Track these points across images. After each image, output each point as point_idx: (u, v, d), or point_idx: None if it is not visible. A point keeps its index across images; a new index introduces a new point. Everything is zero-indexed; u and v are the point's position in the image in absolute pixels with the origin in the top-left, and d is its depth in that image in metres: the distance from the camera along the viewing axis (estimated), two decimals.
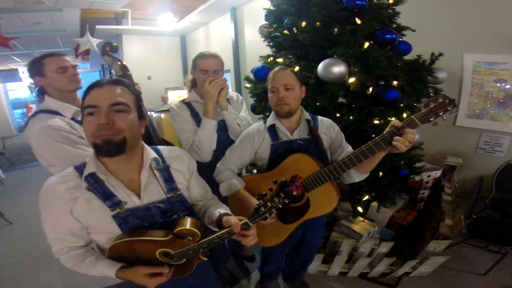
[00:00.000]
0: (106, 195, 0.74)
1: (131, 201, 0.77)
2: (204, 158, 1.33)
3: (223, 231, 0.75)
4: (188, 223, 0.75)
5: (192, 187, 0.94)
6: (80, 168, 0.76)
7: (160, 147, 0.90)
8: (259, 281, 1.76)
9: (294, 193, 0.72)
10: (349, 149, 1.22)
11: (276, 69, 1.19)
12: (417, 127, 0.88)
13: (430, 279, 1.77)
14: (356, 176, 1.14)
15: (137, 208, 0.78)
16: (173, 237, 0.74)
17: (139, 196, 0.79)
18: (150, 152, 0.83)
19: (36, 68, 1.20)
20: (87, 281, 1.87)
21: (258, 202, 0.75)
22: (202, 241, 0.76)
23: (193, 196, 0.95)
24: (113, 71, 1.58)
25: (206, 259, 0.86)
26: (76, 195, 0.73)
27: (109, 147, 0.69)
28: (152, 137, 1.57)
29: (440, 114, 0.86)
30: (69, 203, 0.73)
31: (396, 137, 0.89)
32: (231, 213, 0.87)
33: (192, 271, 0.88)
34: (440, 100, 0.86)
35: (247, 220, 0.74)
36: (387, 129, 0.93)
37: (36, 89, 1.27)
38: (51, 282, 1.98)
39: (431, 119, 0.87)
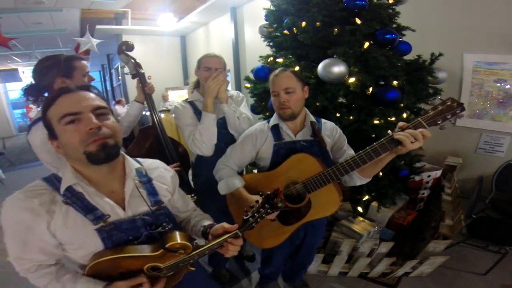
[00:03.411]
0: (87, 208, 0.69)
1: (115, 213, 0.73)
2: (206, 151, 1.36)
3: (215, 241, 0.76)
4: (179, 237, 0.74)
5: (176, 199, 0.93)
6: (50, 180, 0.71)
7: (141, 160, 0.87)
8: (258, 282, 1.76)
9: (280, 204, 0.76)
10: (350, 152, 1.22)
11: (276, 72, 1.19)
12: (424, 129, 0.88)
13: (430, 279, 1.77)
14: (358, 179, 1.13)
15: (121, 221, 0.73)
16: (163, 251, 0.72)
17: (123, 208, 0.75)
18: (132, 163, 0.80)
19: (65, 69, 1.16)
20: None
21: (245, 214, 0.78)
22: (193, 253, 0.75)
23: (176, 208, 0.94)
24: (127, 68, 1.62)
25: (193, 269, 0.84)
26: (52, 209, 0.67)
27: (107, 151, 0.67)
28: (160, 137, 1.57)
29: (448, 117, 0.85)
30: (45, 218, 0.66)
31: (400, 132, 0.88)
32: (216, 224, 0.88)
33: (179, 281, 0.86)
34: (448, 103, 0.85)
35: (237, 231, 0.77)
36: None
37: (24, 90, 1.18)
38: None
39: (439, 122, 0.86)
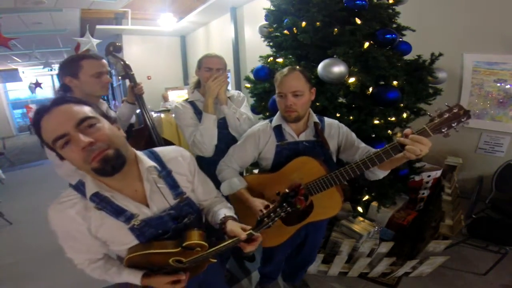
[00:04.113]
0: (117, 211, 0.73)
1: (142, 212, 0.76)
2: (206, 152, 1.36)
3: (230, 241, 0.77)
4: (196, 236, 0.76)
5: (196, 188, 0.92)
6: (79, 188, 0.73)
7: (158, 150, 0.86)
8: (259, 281, 1.76)
9: (298, 206, 0.74)
10: (362, 145, 1.20)
11: (285, 71, 1.13)
12: (429, 137, 0.86)
13: (430, 279, 1.77)
14: (381, 173, 1.11)
15: (150, 218, 0.77)
16: (182, 249, 0.76)
17: (147, 205, 0.78)
18: (145, 161, 0.78)
19: (71, 68, 1.16)
20: (88, 281, 1.87)
21: (261, 214, 0.78)
22: (210, 250, 0.78)
23: (197, 197, 0.94)
24: (115, 70, 1.61)
25: (215, 260, 0.88)
26: (88, 216, 0.72)
27: (112, 164, 0.65)
28: (153, 137, 1.58)
29: (453, 125, 0.83)
30: (84, 225, 0.73)
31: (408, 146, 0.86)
32: (234, 215, 0.90)
33: (204, 269, 0.92)
34: (455, 111, 0.83)
35: (251, 231, 0.77)
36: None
37: (59, 86, 1.23)
38: (51, 283, 1.98)
39: (444, 130, 0.84)
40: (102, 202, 0.72)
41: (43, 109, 0.64)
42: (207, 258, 0.81)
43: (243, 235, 0.75)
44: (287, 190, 0.75)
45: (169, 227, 0.80)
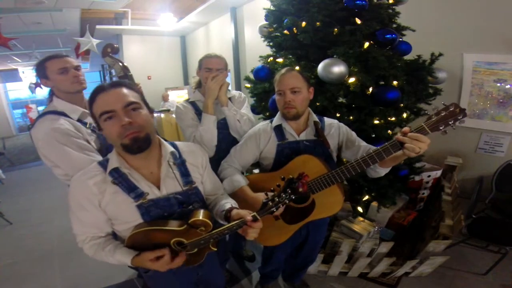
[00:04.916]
0: (130, 188, 0.81)
1: (152, 192, 0.84)
2: (206, 153, 1.37)
3: (233, 223, 0.79)
4: (201, 214, 0.81)
5: (205, 181, 0.99)
6: (103, 164, 0.83)
7: (177, 142, 0.97)
8: (259, 281, 1.76)
9: (300, 189, 0.77)
10: (363, 144, 1.22)
11: (283, 71, 1.18)
12: (427, 134, 0.89)
13: (430, 279, 1.77)
14: (382, 170, 1.12)
15: (158, 199, 0.84)
16: (187, 227, 0.80)
17: (159, 188, 0.85)
18: (167, 147, 0.89)
19: (40, 71, 1.22)
20: (87, 281, 1.89)
21: (265, 197, 0.80)
22: (213, 231, 0.80)
23: (205, 190, 0.99)
24: (113, 71, 1.60)
25: (215, 249, 0.89)
26: (103, 188, 0.80)
27: (139, 144, 0.76)
28: None
29: (450, 123, 0.87)
30: (97, 196, 0.80)
31: (407, 142, 0.88)
32: (238, 208, 0.92)
33: (202, 261, 0.93)
34: (451, 109, 0.86)
35: (255, 214, 0.79)
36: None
37: (48, 90, 1.29)
38: (50, 283, 1.98)
39: (441, 128, 0.88)
40: (119, 178, 0.80)
41: (102, 88, 0.77)
42: (208, 241, 0.83)
43: (249, 216, 0.78)
44: (291, 176, 0.78)
45: (175, 210, 0.86)
